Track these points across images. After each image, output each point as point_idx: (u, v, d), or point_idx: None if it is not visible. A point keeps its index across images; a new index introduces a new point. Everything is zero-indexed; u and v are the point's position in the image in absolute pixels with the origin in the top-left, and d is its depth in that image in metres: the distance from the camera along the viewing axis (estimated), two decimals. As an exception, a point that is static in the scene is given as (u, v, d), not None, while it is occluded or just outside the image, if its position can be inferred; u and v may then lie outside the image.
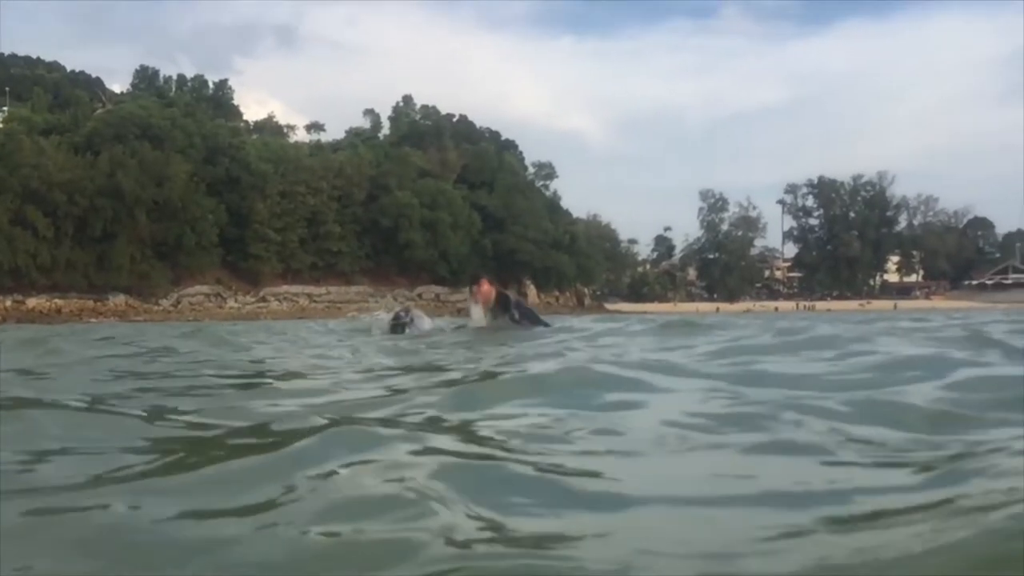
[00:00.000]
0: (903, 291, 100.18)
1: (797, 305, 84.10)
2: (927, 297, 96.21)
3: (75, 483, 1.72)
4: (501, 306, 8.77)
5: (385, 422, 2.43)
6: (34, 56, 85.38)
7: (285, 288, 66.09)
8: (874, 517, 1.35)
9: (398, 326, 8.81)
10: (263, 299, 64.59)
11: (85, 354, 6.64)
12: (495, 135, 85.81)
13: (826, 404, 2.53)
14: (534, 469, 1.75)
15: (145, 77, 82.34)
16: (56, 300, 55.74)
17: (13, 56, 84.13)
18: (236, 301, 63.23)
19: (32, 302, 54.65)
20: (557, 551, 1.25)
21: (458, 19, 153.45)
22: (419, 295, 65.37)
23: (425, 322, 9.12)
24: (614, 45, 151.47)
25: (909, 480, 1.63)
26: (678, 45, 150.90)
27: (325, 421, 2.27)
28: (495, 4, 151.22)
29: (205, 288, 62.73)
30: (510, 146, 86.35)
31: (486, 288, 8.80)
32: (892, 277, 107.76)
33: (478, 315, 8.77)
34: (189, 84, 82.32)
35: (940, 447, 1.95)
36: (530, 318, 8.93)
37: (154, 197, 57.46)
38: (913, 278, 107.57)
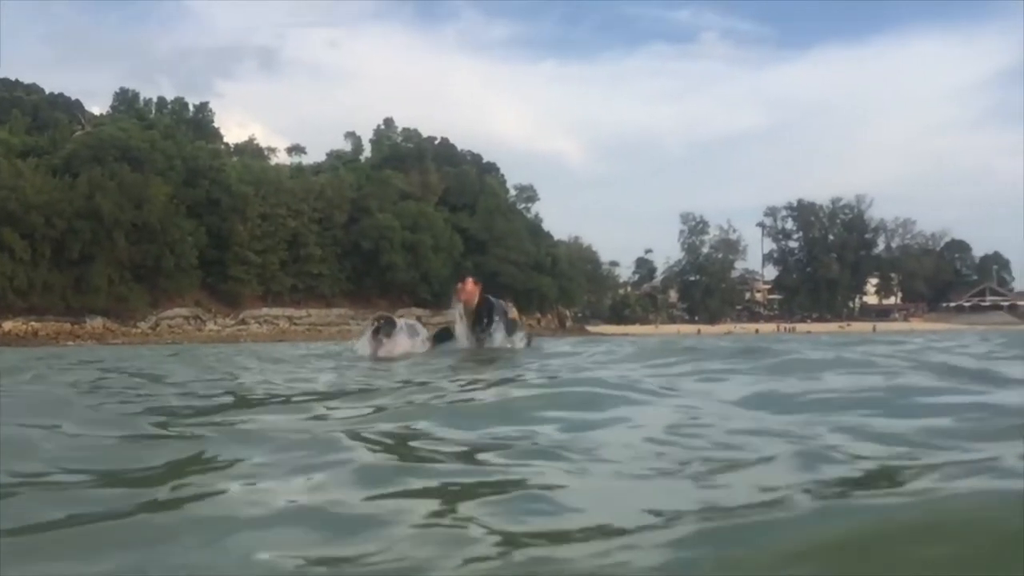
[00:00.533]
0: (882, 313, 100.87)
1: (778, 327, 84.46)
2: (906, 319, 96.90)
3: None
4: (485, 309, 8.59)
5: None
6: (12, 78, 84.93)
7: (265, 311, 65.72)
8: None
9: (377, 336, 8.45)
10: (243, 322, 64.16)
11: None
12: (477, 158, 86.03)
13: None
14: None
15: (125, 99, 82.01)
16: (33, 323, 55.12)
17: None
18: (216, 324, 62.77)
19: (8, 325, 53.98)
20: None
21: (440, 42, 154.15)
22: (400, 317, 65.09)
23: (401, 341, 8.54)
24: (595, 69, 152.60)
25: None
26: (658, 69, 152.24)
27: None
28: (477, 28, 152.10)
29: (184, 311, 62.25)
30: (492, 169, 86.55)
31: (470, 287, 8.67)
32: (871, 299, 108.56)
33: (460, 331, 8.59)
34: (169, 106, 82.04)
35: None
36: (509, 329, 8.69)
37: (133, 219, 57.09)
38: (892, 300, 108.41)
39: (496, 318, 8.64)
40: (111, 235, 56.45)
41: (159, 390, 4.95)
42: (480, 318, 8.63)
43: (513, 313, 9.08)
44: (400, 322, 8.91)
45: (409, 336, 8.69)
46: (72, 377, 6.35)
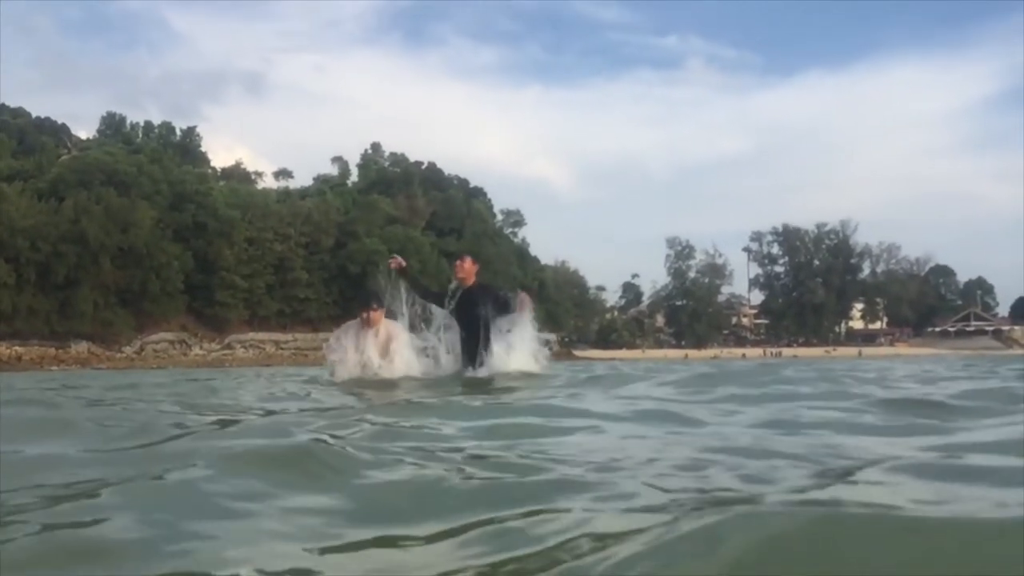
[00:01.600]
0: (868, 338, 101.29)
1: (764, 352, 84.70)
2: (891, 344, 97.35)
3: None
4: (479, 293, 8.37)
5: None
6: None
7: (251, 335, 65.46)
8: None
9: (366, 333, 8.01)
10: (229, 346, 63.88)
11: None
12: (463, 182, 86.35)
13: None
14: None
15: (112, 123, 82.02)
16: (16, 348, 54.71)
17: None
18: (201, 348, 62.48)
19: (-9, 350, 53.64)
20: None
21: (426, 68, 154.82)
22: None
23: (401, 352, 8.07)
24: (580, 95, 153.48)
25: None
26: (643, 95, 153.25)
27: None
28: (463, 53, 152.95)
29: (169, 335, 61.94)
30: (478, 193, 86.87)
31: (468, 264, 8.55)
32: (857, 324, 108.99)
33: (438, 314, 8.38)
34: (156, 131, 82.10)
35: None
36: (500, 308, 8.32)
37: (119, 243, 56.91)
38: (878, 325, 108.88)
39: (489, 308, 8.24)
40: (97, 259, 56.23)
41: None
42: (473, 304, 8.27)
43: (524, 308, 8.36)
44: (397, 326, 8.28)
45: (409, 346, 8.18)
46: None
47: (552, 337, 8.70)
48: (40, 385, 8.72)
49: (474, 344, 8.23)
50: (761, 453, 2.47)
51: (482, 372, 8.00)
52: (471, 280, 8.54)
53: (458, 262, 8.65)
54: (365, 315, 8.09)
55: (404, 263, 8.85)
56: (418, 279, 9.16)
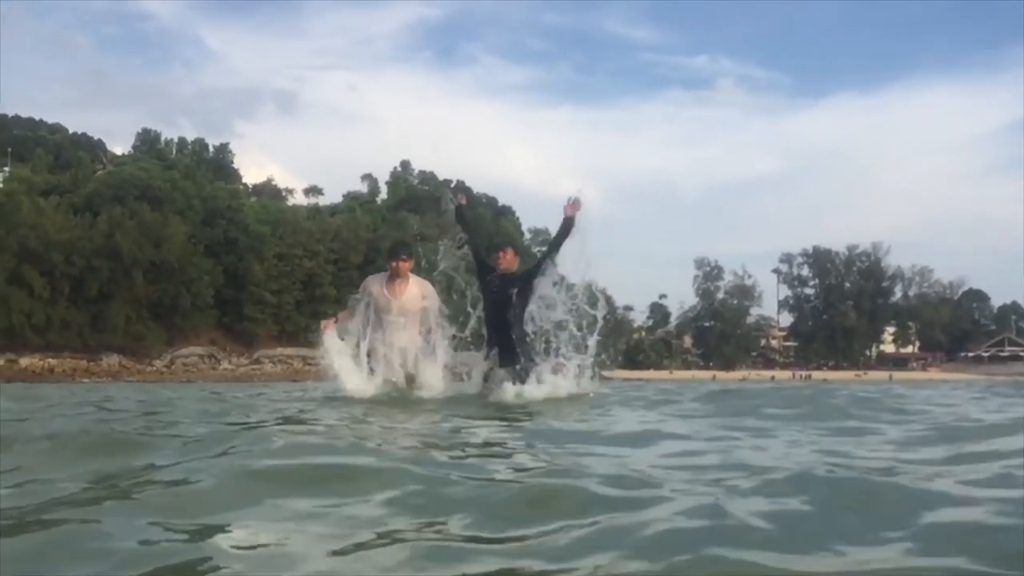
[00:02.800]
0: (900, 362, 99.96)
1: (794, 374, 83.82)
2: (924, 368, 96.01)
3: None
4: (517, 279, 7.91)
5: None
6: (37, 118, 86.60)
7: (279, 350, 65.82)
8: None
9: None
10: (257, 361, 64.27)
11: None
12: (492, 200, 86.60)
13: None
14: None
15: (147, 140, 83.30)
16: (49, 360, 55.40)
17: (16, 117, 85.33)
18: (230, 363, 62.91)
19: (25, 361, 54.30)
20: None
21: (457, 86, 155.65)
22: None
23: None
24: (611, 114, 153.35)
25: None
26: (673, 115, 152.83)
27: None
28: (493, 72, 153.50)
29: (199, 349, 62.46)
30: (507, 211, 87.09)
31: (511, 256, 8.06)
32: (888, 347, 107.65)
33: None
34: (190, 147, 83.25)
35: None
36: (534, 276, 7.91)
37: (151, 258, 57.57)
38: (909, 349, 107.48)
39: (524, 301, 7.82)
40: (129, 273, 56.90)
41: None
42: (507, 286, 7.81)
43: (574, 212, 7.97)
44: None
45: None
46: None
47: (585, 360, 8.24)
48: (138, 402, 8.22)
49: (504, 337, 7.78)
50: None
51: (530, 388, 7.39)
52: (514, 267, 8.12)
53: (500, 253, 8.10)
54: (394, 264, 7.57)
55: (464, 200, 8.46)
56: (475, 229, 8.51)
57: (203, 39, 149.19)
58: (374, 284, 7.73)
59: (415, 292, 7.62)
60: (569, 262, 8.18)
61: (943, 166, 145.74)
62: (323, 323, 7.72)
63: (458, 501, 2.26)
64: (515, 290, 7.89)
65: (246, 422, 4.66)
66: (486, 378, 7.75)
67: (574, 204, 8.09)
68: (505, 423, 4.99)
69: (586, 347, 8.02)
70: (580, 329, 8.03)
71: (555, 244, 8.17)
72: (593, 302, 8.14)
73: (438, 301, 7.75)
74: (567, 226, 8.04)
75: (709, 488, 2.40)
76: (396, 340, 7.58)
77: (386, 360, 7.55)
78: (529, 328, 7.92)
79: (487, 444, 3.75)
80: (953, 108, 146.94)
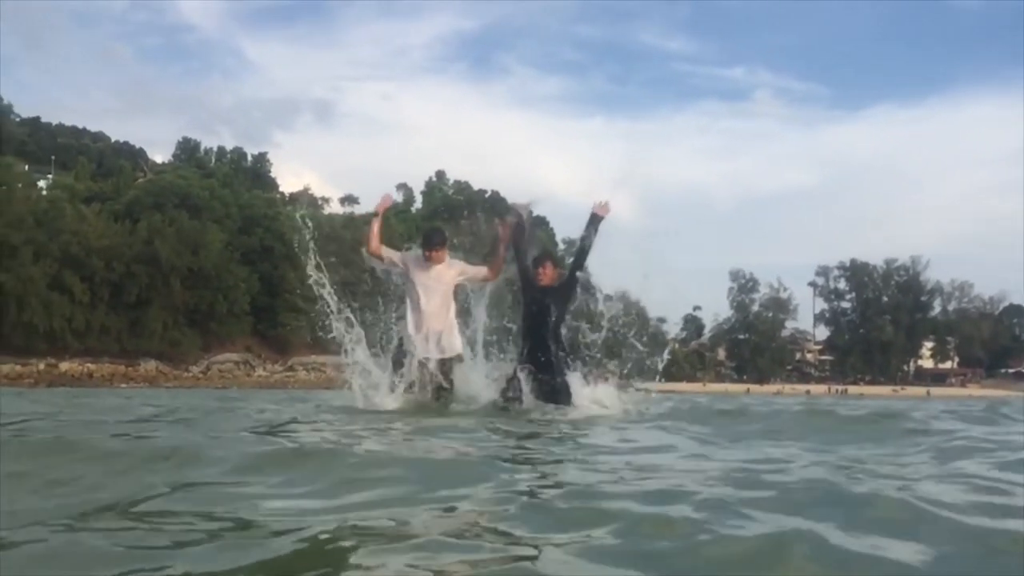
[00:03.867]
0: (938, 378, 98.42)
1: (829, 389, 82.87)
2: (963, 385, 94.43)
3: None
4: (559, 291, 8.02)
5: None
6: (80, 126, 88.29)
7: (313, 358, 66.22)
8: None
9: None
10: (291, 368, 64.74)
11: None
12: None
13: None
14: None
15: (187, 148, 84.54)
16: (88, 364, 56.21)
17: (60, 126, 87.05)
18: (264, 369, 63.43)
19: (65, 366, 55.14)
20: None
21: (491, 97, 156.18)
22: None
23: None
24: (645, 125, 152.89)
25: None
26: (708, 127, 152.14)
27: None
28: (528, 83, 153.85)
29: (235, 356, 63.06)
30: (541, 222, 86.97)
31: (550, 271, 8.11)
32: (927, 363, 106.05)
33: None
34: (228, 156, 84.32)
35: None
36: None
37: (189, 265, 58.29)
38: (948, 365, 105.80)
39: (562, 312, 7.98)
40: (167, 280, 57.65)
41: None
42: (546, 309, 7.87)
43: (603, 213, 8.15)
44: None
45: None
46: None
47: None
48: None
49: (539, 338, 7.86)
50: None
51: (563, 407, 7.40)
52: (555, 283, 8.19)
53: (540, 269, 8.12)
54: (428, 253, 7.84)
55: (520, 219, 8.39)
56: (526, 248, 8.50)
57: (242, 50, 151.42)
58: (410, 259, 8.10)
59: (451, 272, 7.94)
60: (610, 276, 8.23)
61: (984, 179, 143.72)
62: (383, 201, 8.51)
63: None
64: (552, 302, 7.94)
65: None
66: (506, 391, 7.73)
67: (604, 206, 8.15)
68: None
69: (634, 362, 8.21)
70: (619, 341, 8.16)
71: (582, 249, 8.25)
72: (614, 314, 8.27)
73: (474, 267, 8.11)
74: (595, 222, 8.12)
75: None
76: (429, 316, 7.75)
77: (421, 341, 7.69)
78: (565, 341, 7.97)
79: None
80: (993, 121, 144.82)
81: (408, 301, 7.95)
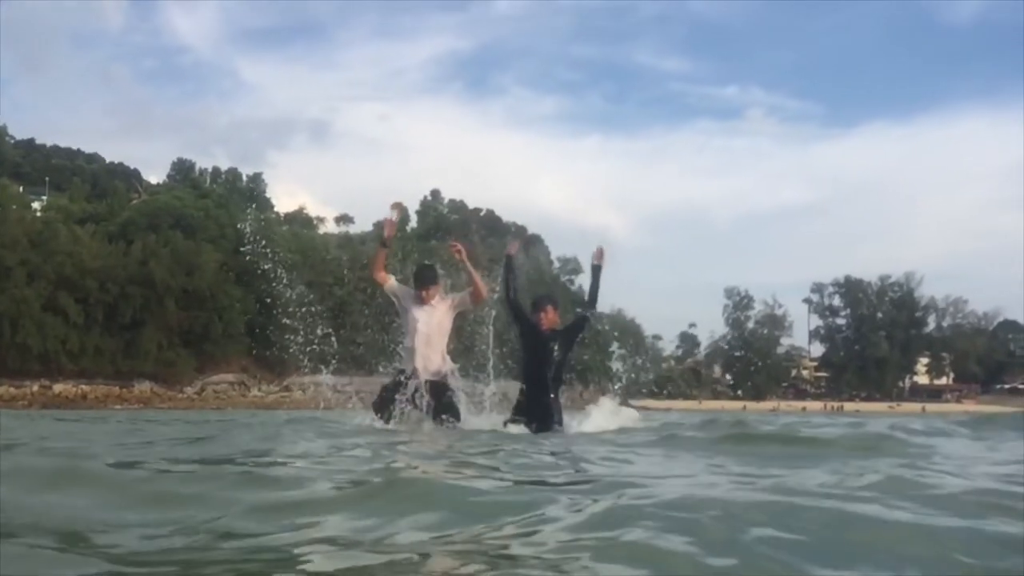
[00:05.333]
0: (934, 394, 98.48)
1: (825, 406, 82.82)
2: (958, 400, 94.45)
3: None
4: (564, 335, 8.15)
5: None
6: (75, 148, 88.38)
7: (309, 378, 66.05)
8: None
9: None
10: (287, 388, 64.50)
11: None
12: (521, 229, 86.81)
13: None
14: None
15: (182, 169, 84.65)
16: (82, 386, 55.95)
17: (55, 147, 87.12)
18: (260, 390, 63.19)
19: (59, 387, 54.88)
20: None
21: (487, 116, 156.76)
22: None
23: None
24: (641, 144, 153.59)
25: None
26: (703, 145, 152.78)
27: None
28: (523, 103, 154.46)
29: (230, 376, 62.82)
30: (536, 241, 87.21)
31: (552, 316, 8.21)
32: (922, 379, 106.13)
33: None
34: (223, 176, 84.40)
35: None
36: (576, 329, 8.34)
37: (184, 286, 58.18)
38: (944, 380, 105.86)
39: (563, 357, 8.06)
40: (162, 301, 57.51)
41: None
42: (548, 351, 8.00)
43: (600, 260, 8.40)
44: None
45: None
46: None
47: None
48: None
49: (540, 382, 7.98)
50: None
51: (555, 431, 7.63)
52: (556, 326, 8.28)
53: (541, 313, 8.21)
54: (422, 293, 8.22)
55: (515, 250, 8.89)
56: (517, 281, 8.66)
57: (238, 71, 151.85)
58: (407, 294, 8.43)
59: (444, 305, 8.28)
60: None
61: (977, 195, 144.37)
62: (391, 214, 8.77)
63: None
64: (555, 345, 8.05)
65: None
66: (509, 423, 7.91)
67: (599, 254, 8.31)
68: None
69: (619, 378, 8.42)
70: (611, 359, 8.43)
71: (592, 298, 8.40)
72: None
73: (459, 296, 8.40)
74: (597, 274, 8.31)
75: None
76: (423, 347, 8.10)
77: (414, 368, 8.07)
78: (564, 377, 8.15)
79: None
80: (986, 137, 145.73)
81: (405, 332, 8.34)
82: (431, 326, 8.15)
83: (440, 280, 8.47)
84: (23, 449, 5.41)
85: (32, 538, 2.27)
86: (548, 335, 8.05)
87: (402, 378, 8.10)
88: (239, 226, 57.53)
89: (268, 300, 62.46)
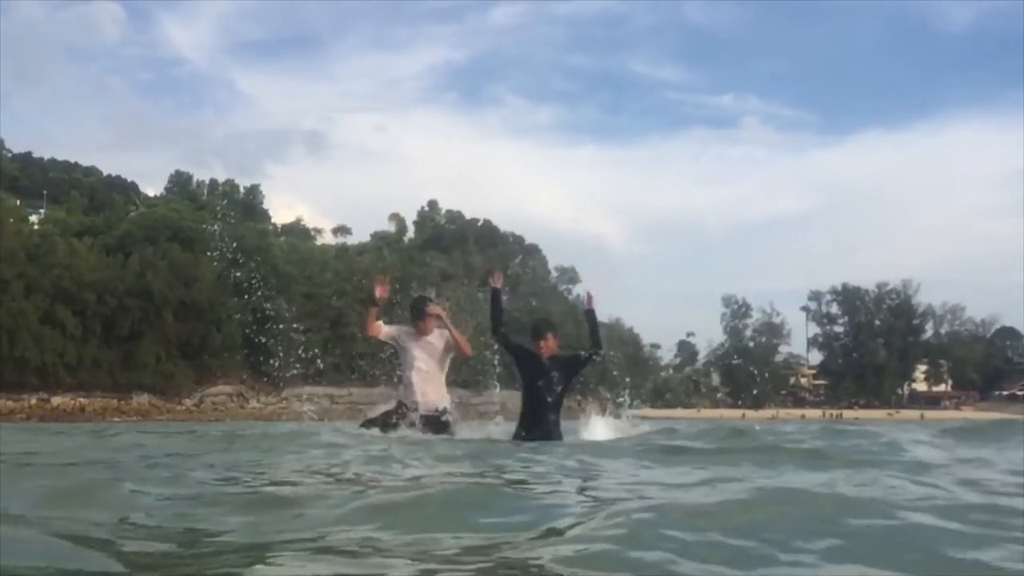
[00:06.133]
0: (932, 401, 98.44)
1: (824, 413, 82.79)
2: (957, 408, 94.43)
3: None
4: (567, 366, 8.24)
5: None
6: (72, 160, 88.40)
7: (307, 389, 65.93)
8: None
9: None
10: (285, 400, 64.42)
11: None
12: (519, 239, 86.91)
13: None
14: None
15: (179, 181, 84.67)
16: (80, 399, 55.87)
17: (53, 160, 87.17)
18: (258, 402, 63.11)
19: (57, 400, 54.82)
20: None
21: (483, 126, 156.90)
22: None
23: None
24: (636, 153, 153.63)
25: None
26: (699, 154, 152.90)
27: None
28: (519, 113, 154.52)
29: (228, 388, 62.74)
30: (533, 250, 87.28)
31: (552, 343, 8.25)
32: (920, 386, 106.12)
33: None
34: (221, 188, 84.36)
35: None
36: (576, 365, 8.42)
37: (181, 297, 58.15)
38: (942, 387, 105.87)
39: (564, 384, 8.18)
40: (160, 313, 57.47)
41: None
42: (551, 380, 8.09)
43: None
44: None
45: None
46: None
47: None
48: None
49: (541, 410, 8.06)
50: None
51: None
52: (554, 352, 8.33)
53: (541, 342, 8.21)
54: (420, 323, 8.37)
55: (499, 282, 8.87)
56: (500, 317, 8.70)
57: (234, 83, 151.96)
58: (403, 332, 8.59)
59: (440, 342, 8.45)
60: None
61: (973, 202, 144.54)
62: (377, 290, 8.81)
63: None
64: (558, 374, 8.13)
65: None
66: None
67: (590, 299, 8.60)
68: None
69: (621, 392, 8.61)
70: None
71: (595, 340, 8.52)
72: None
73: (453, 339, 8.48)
74: (592, 318, 8.55)
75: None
76: (422, 382, 8.31)
77: (412, 402, 8.33)
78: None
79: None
80: (982, 144, 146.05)
81: (403, 367, 8.53)
82: (429, 363, 8.36)
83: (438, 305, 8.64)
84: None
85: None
86: (549, 363, 8.13)
87: (404, 409, 8.29)
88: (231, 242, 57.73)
89: (267, 312, 62.77)
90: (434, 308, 8.63)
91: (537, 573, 2.14)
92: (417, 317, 8.44)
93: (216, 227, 56.65)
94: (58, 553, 2.26)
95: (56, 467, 5.16)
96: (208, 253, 60.44)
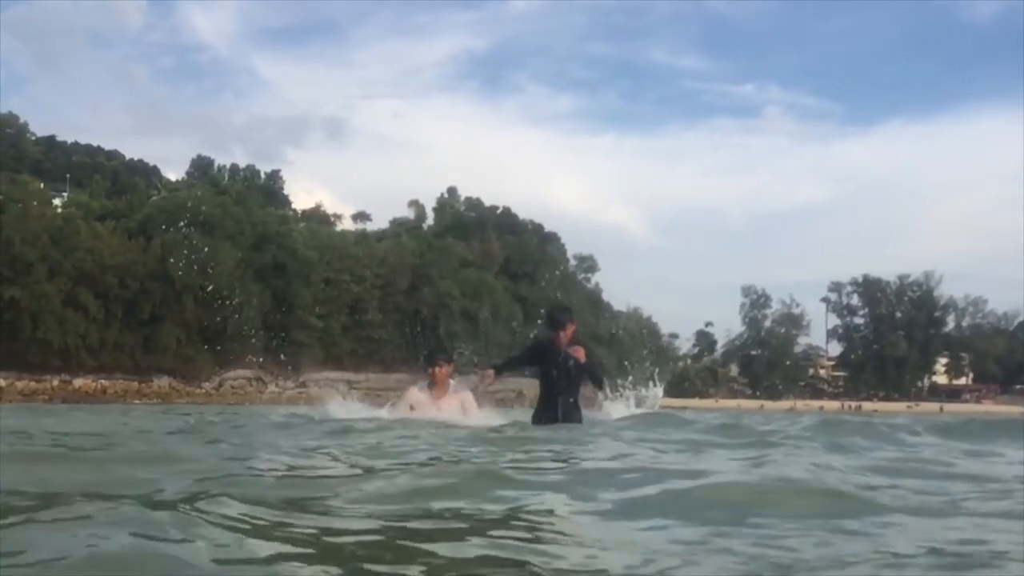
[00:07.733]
0: (952, 394, 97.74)
1: (843, 405, 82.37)
2: (977, 401, 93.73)
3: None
4: (585, 368, 8.15)
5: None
6: (95, 145, 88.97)
7: (325, 374, 66.27)
8: None
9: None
10: (303, 384, 64.72)
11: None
12: (538, 227, 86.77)
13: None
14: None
15: (200, 166, 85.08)
16: (102, 381, 56.44)
17: (76, 144, 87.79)
18: (277, 386, 63.49)
19: (79, 382, 55.41)
20: None
21: (503, 114, 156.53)
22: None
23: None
24: (656, 142, 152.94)
25: None
26: (720, 143, 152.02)
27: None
28: (539, 100, 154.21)
29: (247, 372, 63.14)
30: (552, 238, 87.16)
31: (571, 332, 8.20)
32: (941, 379, 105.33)
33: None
34: (242, 173, 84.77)
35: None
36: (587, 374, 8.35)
37: (202, 282, 58.51)
38: (963, 381, 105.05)
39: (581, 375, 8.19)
40: (180, 297, 57.86)
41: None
42: (569, 370, 8.05)
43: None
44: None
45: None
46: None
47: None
48: None
49: (559, 392, 8.07)
50: None
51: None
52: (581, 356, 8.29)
53: (560, 333, 8.14)
54: (433, 371, 7.98)
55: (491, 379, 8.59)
56: (509, 364, 8.90)
57: (255, 69, 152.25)
58: (415, 393, 8.17)
59: (455, 403, 7.97)
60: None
61: (997, 194, 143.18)
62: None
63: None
64: (574, 362, 8.06)
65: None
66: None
67: (579, 353, 8.27)
68: None
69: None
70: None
71: (597, 383, 8.52)
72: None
73: (477, 410, 8.07)
74: (583, 369, 8.23)
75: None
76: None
77: None
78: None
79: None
80: (1006, 136, 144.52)
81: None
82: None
83: (454, 360, 8.31)
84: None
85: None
86: (567, 355, 8.04)
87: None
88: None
89: (285, 298, 63.16)
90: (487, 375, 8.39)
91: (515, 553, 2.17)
92: (432, 364, 8.20)
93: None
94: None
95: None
96: (229, 238, 60.87)
